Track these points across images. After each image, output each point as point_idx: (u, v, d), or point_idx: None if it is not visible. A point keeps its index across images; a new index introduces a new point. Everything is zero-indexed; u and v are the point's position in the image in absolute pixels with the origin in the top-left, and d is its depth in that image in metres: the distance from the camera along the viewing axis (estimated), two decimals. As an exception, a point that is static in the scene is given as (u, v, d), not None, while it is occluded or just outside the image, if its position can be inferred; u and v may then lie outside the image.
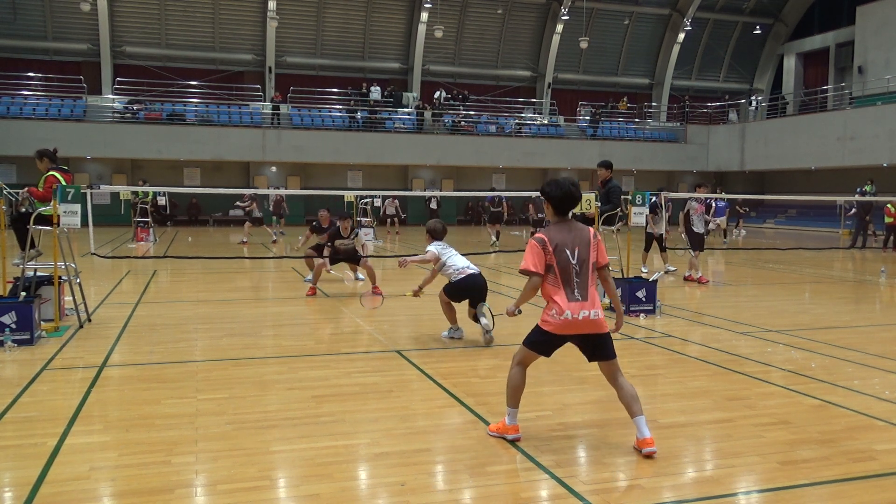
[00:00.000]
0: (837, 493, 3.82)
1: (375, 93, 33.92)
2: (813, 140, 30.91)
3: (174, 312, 9.39)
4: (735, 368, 6.48)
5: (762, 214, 35.72)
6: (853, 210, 23.57)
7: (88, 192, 8.93)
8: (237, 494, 3.73)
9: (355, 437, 4.62)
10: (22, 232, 8.32)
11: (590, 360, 4.52)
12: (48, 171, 8.57)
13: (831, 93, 34.90)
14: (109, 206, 26.51)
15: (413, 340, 7.74)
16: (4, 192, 8.42)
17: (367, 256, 11.63)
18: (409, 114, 33.97)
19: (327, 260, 11.17)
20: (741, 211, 28.81)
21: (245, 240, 20.85)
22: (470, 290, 7.53)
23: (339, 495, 3.74)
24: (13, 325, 7.00)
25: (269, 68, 33.35)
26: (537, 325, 4.40)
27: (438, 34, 32.58)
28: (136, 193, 21.52)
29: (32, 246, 8.11)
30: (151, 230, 21.88)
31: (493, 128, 34.45)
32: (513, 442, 4.48)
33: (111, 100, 31.35)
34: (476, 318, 7.50)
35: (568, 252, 4.26)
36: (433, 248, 7.89)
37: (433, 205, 33.34)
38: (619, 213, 10.28)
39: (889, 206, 20.50)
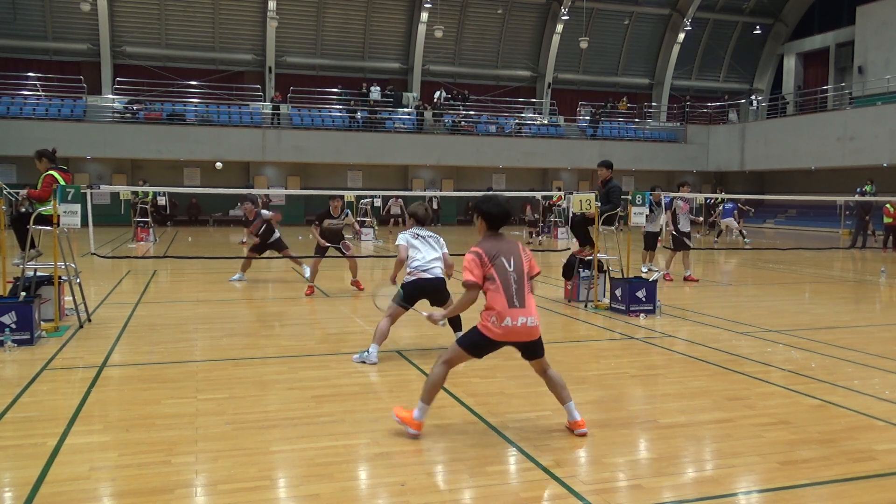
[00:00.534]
0: (837, 493, 3.82)
1: (375, 93, 33.92)
2: (813, 140, 30.92)
3: (174, 312, 9.39)
4: (735, 368, 6.48)
5: (762, 214, 35.72)
6: (853, 210, 23.57)
7: (88, 192, 8.93)
8: (237, 494, 3.73)
9: (355, 437, 4.62)
10: (22, 232, 8.32)
11: (524, 358, 4.75)
12: (47, 171, 8.57)
13: (831, 93, 34.90)
14: (109, 206, 26.51)
15: (413, 340, 7.74)
16: (4, 192, 8.42)
17: (354, 256, 11.82)
18: (409, 114, 33.97)
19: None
20: (744, 209, 28.80)
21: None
22: (419, 294, 6.82)
23: (339, 495, 3.74)
24: (13, 325, 7.00)
25: (269, 68, 33.34)
26: (477, 329, 4.50)
27: (438, 34, 32.58)
28: (136, 193, 21.52)
29: (32, 246, 8.10)
30: (151, 230, 21.88)
31: (493, 128, 34.45)
32: (411, 435, 4.52)
33: (111, 100, 31.35)
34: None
35: (504, 261, 4.45)
36: (404, 237, 7.03)
37: (434, 205, 33.37)
38: (619, 213, 10.28)
39: (888, 206, 20.50)
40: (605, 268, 10.15)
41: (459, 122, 34.18)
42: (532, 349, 4.61)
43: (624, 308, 9.27)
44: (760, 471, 4.11)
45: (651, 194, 12.37)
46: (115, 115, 30.56)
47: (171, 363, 6.61)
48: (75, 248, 9.37)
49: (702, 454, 4.46)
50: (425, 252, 6.94)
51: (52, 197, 7.90)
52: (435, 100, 35.00)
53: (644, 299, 9.25)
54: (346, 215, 11.29)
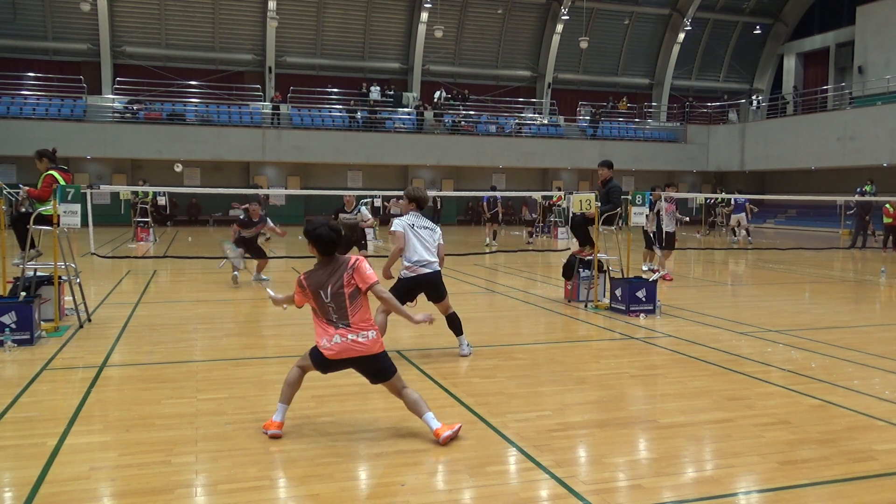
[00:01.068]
0: (837, 493, 3.82)
1: (375, 93, 33.92)
2: (813, 140, 30.92)
3: (174, 312, 9.39)
4: (735, 368, 6.48)
5: (762, 214, 35.71)
6: (853, 210, 23.57)
7: (88, 192, 8.93)
8: (237, 494, 3.73)
9: (355, 436, 4.62)
10: (22, 232, 8.32)
11: (373, 383, 4.74)
12: (47, 171, 8.57)
13: (831, 93, 34.90)
14: (109, 206, 26.50)
15: (413, 340, 7.74)
16: (4, 192, 8.41)
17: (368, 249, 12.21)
18: (409, 114, 33.97)
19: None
20: (748, 208, 28.80)
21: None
22: (418, 289, 6.66)
23: (339, 495, 3.74)
24: (13, 325, 7.00)
25: (269, 68, 33.34)
26: (315, 347, 4.59)
27: (438, 34, 32.57)
28: (136, 193, 21.52)
29: (32, 246, 8.11)
30: (151, 230, 21.89)
31: (493, 128, 34.45)
32: (272, 438, 4.50)
33: (111, 100, 31.34)
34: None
35: (321, 292, 4.49)
36: (401, 224, 6.66)
37: (438, 205, 33.45)
38: (619, 213, 10.28)
39: (888, 206, 20.50)
40: (605, 268, 10.15)
41: (459, 122, 34.18)
42: (370, 370, 4.60)
43: (624, 308, 9.27)
44: (760, 471, 4.11)
45: (651, 194, 12.39)
46: (115, 115, 30.56)
47: (171, 363, 6.61)
48: (75, 248, 9.37)
49: (702, 454, 4.46)
50: (424, 245, 6.64)
51: (52, 197, 7.90)
52: (435, 100, 35.01)
53: (644, 299, 9.25)
54: (360, 211, 12.06)
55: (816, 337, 7.97)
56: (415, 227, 6.67)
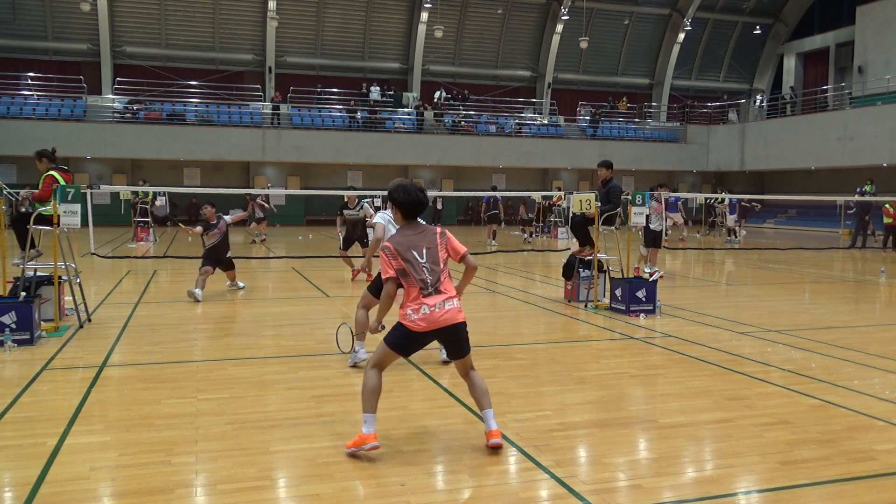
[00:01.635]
0: (837, 493, 3.82)
1: (375, 93, 33.92)
2: (813, 140, 30.92)
3: (174, 312, 9.39)
4: (735, 368, 6.48)
5: (762, 214, 35.72)
6: (853, 210, 23.57)
7: (88, 192, 8.94)
8: (237, 494, 3.73)
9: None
10: (22, 232, 8.32)
11: (449, 357, 4.56)
12: (47, 171, 8.57)
13: (831, 93, 34.90)
14: (109, 206, 26.50)
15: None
16: (4, 192, 8.41)
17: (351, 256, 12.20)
18: (409, 114, 33.97)
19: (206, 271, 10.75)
20: (749, 206, 28.83)
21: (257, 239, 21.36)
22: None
23: (339, 495, 3.74)
24: (13, 325, 7.00)
25: (269, 68, 33.35)
26: (399, 324, 4.36)
27: (438, 34, 32.58)
28: (136, 193, 21.52)
29: (32, 246, 8.11)
30: (151, 230, 21.88)
31: (493, 128, 34.46)
32: (370, 450, 4.20)
33: (111, 100, 31.35)
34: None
35: (415, 252, 4.33)
36: (384, 218, 6.59)
37: (438, 205, 33.50)
38: (619, 213, 10.28)
39: (888, 206, 20.50)
40: (605, 268, 10.15)
41: (459, 122, 34.18)
42: (456, 340, 4.40)
43: (624, 308, 9.27)
44: (760, 471, 4.11)
45: (652, 194, 12.42)
46: (115, 115, 30.56)
47: (171, 363, 6.60)
48: (75, 248, 9.37)
49: (702, 454, 4.46)
50: None
51: (52, 197, 7.90)
52: (435, 100, 35.01)
53: (644, 299, 9.25)
54: (362, 207, 12.34)
55: (816, 337, 7.97)
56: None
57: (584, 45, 34.09)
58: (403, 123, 33.40)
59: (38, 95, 30.49)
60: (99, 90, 31.46)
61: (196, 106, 32.02)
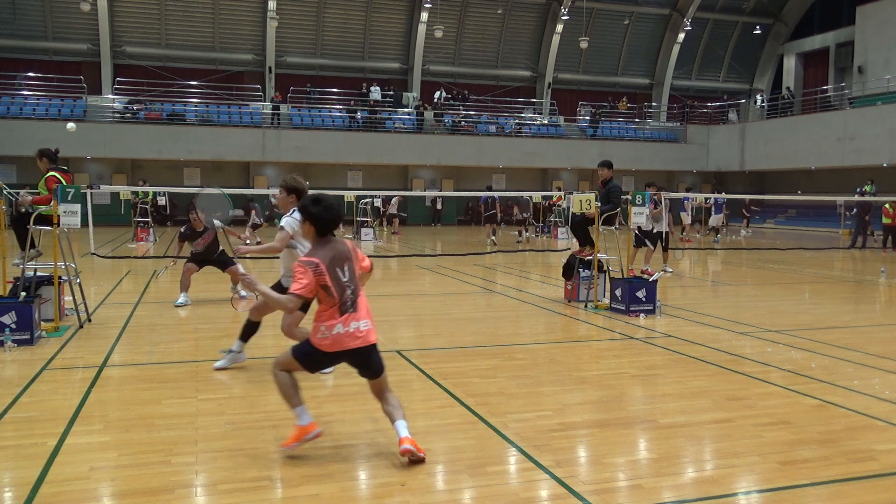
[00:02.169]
0: (837, 493, 3.82)
1: (376, 93, 33.92)
2: (813, 140, 30.92)
3: (174, 312, 9.39)
4: (735, 368, 6.48)
5: (762, 214, 35.71)
6: (854, 210, 23.57)
7: (88, 192, 8.93)
8: (237, 494, 3.73)
9: (355, 437, 4.62)
10: (22, 232, 8.32)
11: (361, 375, 4.36)
12: (48, 172, 8.57)
13: (831, 93, 34.90)
14: (109, 206, 26.50)
15: (413, 340, 7.74)
16: (4, 192, 8.41)
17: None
18: (409, 114, 33.96)
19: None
20: (747, 214, 28.90)
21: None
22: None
23: (339, 495, 3.74)
24: (13, 325, 6.99)
25: (269, 68, 33.34)
26: (309, 342, 4.23)
27: (438, 34, 32.57)
28: (136, 193, 21.52)
29: (32, 246, 8.10)
30: (151, 230, 21.88)
31: (493, 128, 34.45)
32: (314, 438, 4.20)
33: (111, 100, 31.34)
34: None
35: (338, 270, 4.16)
36: (290, 223, 5.90)
37: (438, 205, 33.53)
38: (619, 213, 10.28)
39: (887, 206, 20.50)
40: (605, 268, 10.15)
41: (459, 122, 34.18)
42: (367, 362, 4.25)
43: (624, 308, 9.27)
44: (760, 471, 4.11)
45: (653, 194, 12.41)
46: (115, 115, 30.55)
47: (171, 363, 6.60)
48: (75, 248, 9.37)
49: (702, 454, 4.46)
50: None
51: (52, 197, 7.90)
52: (435, 100, 35.00)
53: (644, 299, 9.25)
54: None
55: (816, 337, 7.97)
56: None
57: (584, 45, 34.09)
58: (403, 123, 33.40)
59: (38, 95, 30.48)
60: (99, 90, 31.45)
61: (196, 106, 32.02)
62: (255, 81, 33.65)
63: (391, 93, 34.44)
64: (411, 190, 32.89)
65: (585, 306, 9.89)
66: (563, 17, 34.98)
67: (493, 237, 21.24)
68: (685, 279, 13.74)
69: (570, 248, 14.15)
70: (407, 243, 22.58)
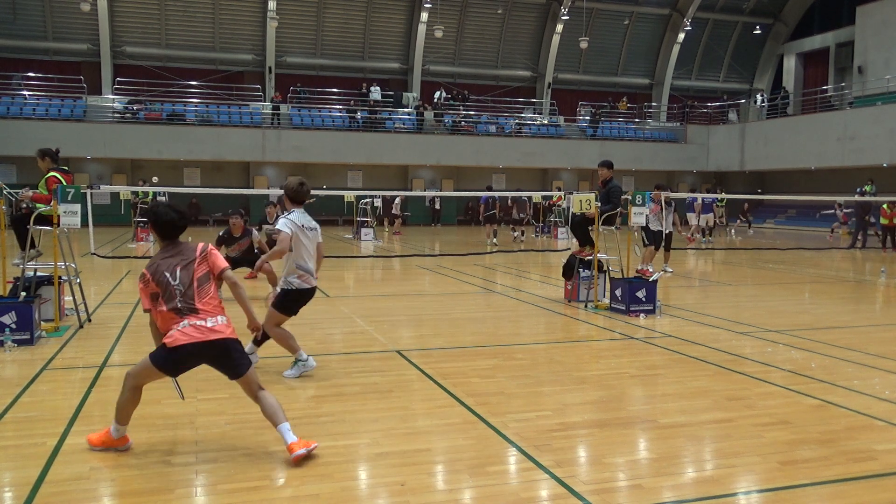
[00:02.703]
0: (837, 493, 3.82)
1: (376, 93, 33.92)
2: (813, 140, 30.91)
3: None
4: (735, 368, 6.48)
5: (762, 214, 35.70)
6: (850, 210, 23.54)
7: (88, 192, 8.93)
8: (237, 494, 3.73)
9: (355, 437, 4.62)
10: (22, 232, 8.32)
11: (230, 378, 4.32)
12: (49, 172, 8.57)
13: (831, 93, 34.89)
14: (109, 206, 26.50)
15: (413, 340, 7.74)
16: (4, 192, 8.41)
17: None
18: (409, 114, 33.96)
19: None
20: (743, 218, 28.88)
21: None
22: (304, 301, 6.07)
23: (339, 495, 3.74)
24: (13, 325, 6.99)
25: (269, 68, 33.34)
26: (163, 344, 4.20)
27: (438, 34, 32.56)
28: (136, 193, 21.52)
29: (32, 246, 8.10)
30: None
31: (493, 128, 34.45)
32: (123, 451, 4.25)
33: (111, 100, 31.33)
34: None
35: (168, 275, 4.19)
36: (288, 226, 5.80)
37: (437, 205, 33.53)
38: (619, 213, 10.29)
39: (885, 206, 20.49)
40: (605, 268, 10.15)
41: (459, 122, 34.17)
42: (226, 358, 4.22)
43: (624, 308, 9.27)
44: (760, 471, 4.11)
45: (652, 194, 12.43)
46: (115, 115, 30.55)
47: (171, 363, 6.59)
48: (75, 248, 9.37)
49: (702, 454, 4.46)
50: (310, 252, 5.94)
51: (52, 197, 7.90)
52: (435, 100, 35.00)
53: (644, 299, 9.25)
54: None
55: (816, 337, 7.97)
56: (305, 229, 5.88)
57: (584, 45, 34.08)
58: (403, 123, 33.40)
59: (38, 95, 30.48)
60: (99, 90, 31.45)
61: (196, 106, 32.01)
62: (255, 81, 33.65)
63: (390, 92, 34.43)
64: (411, 190, 32.89)
65: (585, 306, 9.89)
66: (563, 17, 34.98)
67: (495, 238, 21.23)
68: (685, 279, 13.74)
69: (570, 248, 14.16)
70: (407, 243, 22.59)
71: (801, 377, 6.19)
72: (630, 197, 10.10)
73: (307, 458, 4.12)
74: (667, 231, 13.81)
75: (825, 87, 35.49)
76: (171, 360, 4.18)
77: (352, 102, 33.41)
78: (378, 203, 27.94)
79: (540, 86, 37.32)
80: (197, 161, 30.87)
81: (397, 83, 35.57)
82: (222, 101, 32.54)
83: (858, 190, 24.04)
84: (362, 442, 4.52)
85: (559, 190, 27.11)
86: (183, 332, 4.12)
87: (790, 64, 39.07)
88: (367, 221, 24.31)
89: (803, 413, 5.17)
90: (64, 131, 27.59)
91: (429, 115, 33.88)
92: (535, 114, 36.94)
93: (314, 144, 30.90)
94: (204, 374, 6.12)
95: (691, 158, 36.16)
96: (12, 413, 5.03)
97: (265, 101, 32.94)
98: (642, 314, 9.15)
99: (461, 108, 35.12)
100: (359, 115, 32.66)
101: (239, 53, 33.61)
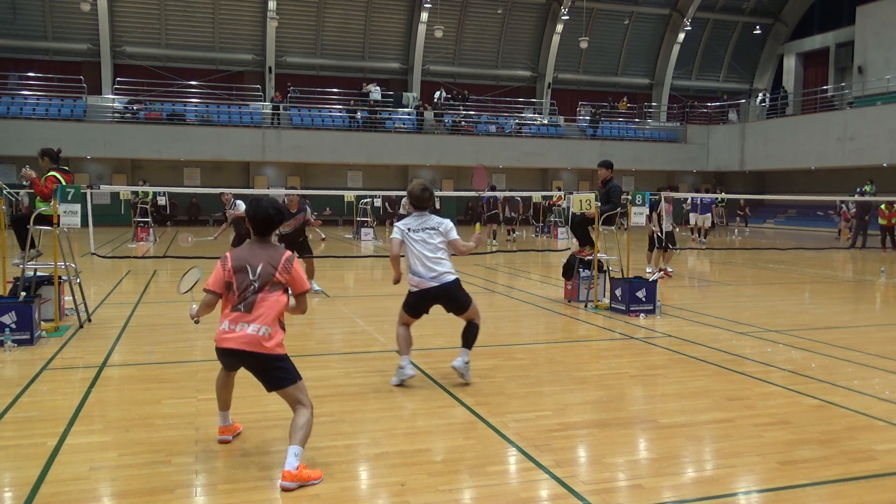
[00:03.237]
0: (837, 493, 3.82)
1: (376, 93, 33.91)
2: (813, 140, 30.92)
3: (174, 312, 9.38)
4: (735, 368, 6.48)
5: (762, 214, 35.70)
6: (854, 209, 23.51)
7: (88, 192, 8.93)
8: (237, 494, 3.73)
9: (355, 437, 4.62)
10: (22, 232, 8.32)
11: (268, 390, 4.20)
12: (49, 172, 8.57)
13: (831, 93, 34.88)
14: (109, 206, 26.51)
15: (413, 341, 7.72)
16: (4, 192, 8.41)
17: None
18: (409, 114, 33.96)
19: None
20: (741, 214, 28.88)
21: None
22: (427, 304, 5.98)
23: (339, 495, 3.74)
24: (13, 325, 6.99)
25: (269, 68, 33.34)
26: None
27: (438, 34, 32.57)
28: (136, 193, 21.53)
29: (32, 246, 8.10)
30: (151, 230, 21.88)
31: (493, 128, 34.45)
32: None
33: (111, 100, 31.33)
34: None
35: (249, 268, 4.10)
36: (399, 231, 5.91)
37: (437, 205, 33.47)
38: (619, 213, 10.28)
39: (883, 207, 20.47)
40: (605, 268, 10.15)
41: (459, 122, 34.17)
42: (258, 368, 4.11)
43: (624, 308, 9.27)
44: (760, 471, 4.11)
45: (652, 195, 12.43)
46: (115, 115, 30.55)
47: (171, 363, 6.60)
48: (75, 248, 9.37)
49: (702, 454, 4.46)
50: (425, 254, 5.82)
51: (52, 196, 7.90)
52: (435, 100, 34.99)
53: (644, 299, 9.25)
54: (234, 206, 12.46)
55: (816, 337, 7.97)
56: (410, 232, 5.87)
57: (584, 45, 34.08)
58: (403, 123, 33.40)
59: (38, 95, 30.48)
60: (99, 90, 31.45)
61: (196, 106, 32.01)
62: (255, 81, 33.65)
63: (389, 92, 34.42)
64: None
65: (585, 306, 9.89)
66: (563, 17, 34.98)
67: (494, 240, 21.22)
68: (685, 279, 13.74)
69: (570, 248, 14.16)
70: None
71: (801, 377, 6.19)
72: (630, 197, 10.10)
73: (293, 489, 3.79)
74: (667, 231, 13.81)
75: (825, 87, 35.48)
76: (218, 354, 4.21)
77: (352, 102, 33.41)
78: (378, 203, 27.93)
79: (540, 86, 37.32)
80: (197, 161, 30.87)
81: (397, 83, 35.57)
82: (222, 101, 32.54)
83: (858, 190, 24.03)
84: (362, 442, 4.52)
85: (559, 190, 27.11)
86: (219, 335, 4.11)
87: (790, 64, 39.07)
88: (367, 221, 24.30)
89: (803, 413, 5.17)
90: (64, 131, 27.59)
91: (429, 115, 33.88)
92: (535, 114, 36.93)
93: (314, 144, 30.90)
94: (204, 374, 6.13)
95: (691, 158, 36.16)
96: (12, 413, 5.03)
97: (265, 101, 32.94)
98: (642, 314, 9.15)
99: (461, 108, 35.11)
100: (359, 115, 32.66)
101: (239, 53, 33.61)
